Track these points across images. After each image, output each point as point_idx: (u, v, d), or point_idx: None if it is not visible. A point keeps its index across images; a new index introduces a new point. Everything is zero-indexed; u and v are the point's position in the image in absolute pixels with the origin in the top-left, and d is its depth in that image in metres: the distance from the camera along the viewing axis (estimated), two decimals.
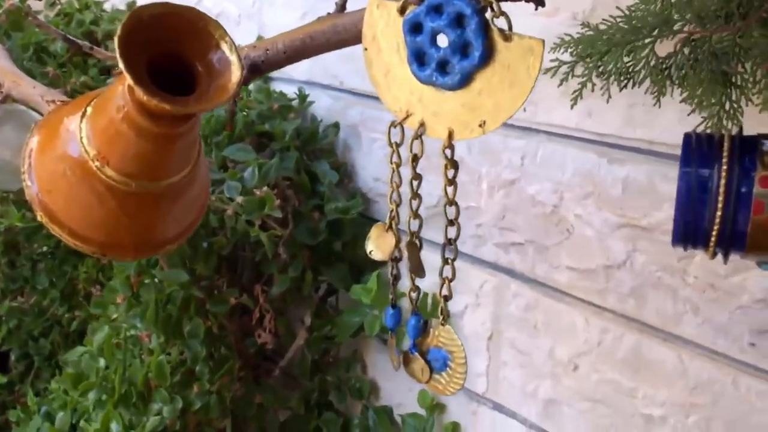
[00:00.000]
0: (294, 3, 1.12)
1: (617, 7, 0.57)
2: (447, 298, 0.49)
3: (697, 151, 0.34)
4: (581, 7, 0.75)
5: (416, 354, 0.50)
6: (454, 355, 0.48)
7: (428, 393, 0.98)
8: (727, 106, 0.55)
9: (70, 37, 1.00)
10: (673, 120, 0.69)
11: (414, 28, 0.45)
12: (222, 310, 0.96)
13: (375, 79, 0.47)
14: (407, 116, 0.46)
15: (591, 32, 0.56)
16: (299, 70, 1.12)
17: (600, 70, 0.55)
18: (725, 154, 0.33)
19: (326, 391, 1.08)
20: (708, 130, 0.56)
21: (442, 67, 0.44)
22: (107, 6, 1.59)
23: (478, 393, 0.94)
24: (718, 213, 0.32)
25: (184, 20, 0.48)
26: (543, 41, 0.41)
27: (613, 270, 0.78)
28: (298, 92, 1.09)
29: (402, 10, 0.45)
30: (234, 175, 0.93)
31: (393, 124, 0.47)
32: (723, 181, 0.32)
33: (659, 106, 0.56)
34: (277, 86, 1.15)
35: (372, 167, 1.04)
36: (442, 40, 0.44)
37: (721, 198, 0.32)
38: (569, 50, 0.56)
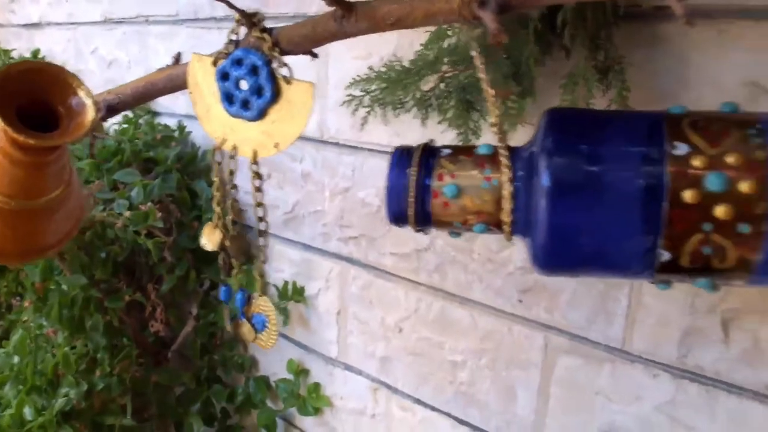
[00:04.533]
0: (173, 50, 1.16)
1: (394, 55, 0.66)
2: (263, 275, 0.55)
3: (401, 158, 0.42)
4: (387, 51, 0.83)
5: (243, 320, 0.56)
6: (270, 318, 0.55)
7: (295, 361, 1.04)
8: (471, 126, 0.64)
9: None
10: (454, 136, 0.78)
11: (223, 76, 0.51)
12: (118, 306, 0.99)
13: (199, 115, 0.53)
14: (224, 142, 0.53)
15: (374, 73, 0.64)
16: (179, 105, 1.16)
17: (380, 102, 0.63)
18: (416, 160, 0.41)
19: (214, 368, 1.12)
20: (460, 143, 0.66)
21: (245, 104, 0.50)
22: (15, 54, 1.57)
23: (332, 357, 1.00)
24: (411, 200, 0.40)
25: (47, 74, 0.52)
26: (313, 84, 0.49)
27: (422, 253, 0.86)
28: (178, 124, 1.13)
29: (215, 63, 0.52)
30: (123, 194, 0.97)
31: (214, 149, 0.53)
32: (413, 177, 0.40)
33: (425, 126, 0.65)
34: (162, 120, 1.19)
35: (241, 182, 1.09)
36: (244, 85, 0.50)
37: (412, 189, 0.40)
38: (359, 87, 0.64)
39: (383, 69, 0.63)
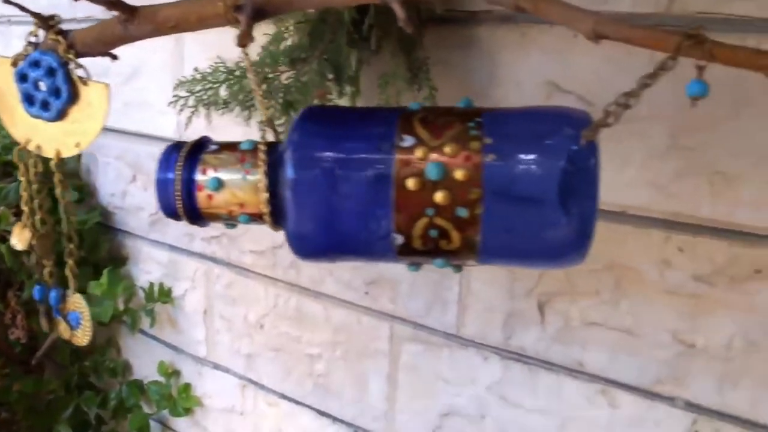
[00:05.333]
0: None
1: (217, 55, 0.68)
2: (75, 275, 0.57)
3: (170, 154, 0.44)
4: (237, 53, 0.85)
5: (59, 317, 0.57)
6: (83, 315, 0.56)
7: (165, 363, 1.05)
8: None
9: None
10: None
11: (22, 78, 0.52)
12: None
13: (2, 118, 0.54)
14: (28, 142, 0.54)
15: (199, 75, 0.66)
16: None
17: (205, 101, 0.65)
18: (183, 155, 0.43)
19: (86, 374, 1.11)
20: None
21: (45, 105, 0.52)
22: None
23: (200, 357, 1.02)
24: (178, 194, 0.43)
25: None
26: (108, 85, 0.50)
27: (278, 249, 0.89)
28: None
29: (14, 64, 0.53)
30: None
31: (19, 149, 0.54)
32: (179, 172, 0.43)
33: (248, 125, 0.67)
34: None
35: (108, 185, 1.09)
36: (42, 86, 0.52)
37: (179, 183, 0.43)
38: (184, 88, 0.66)
39: (208, 70, 0.66)
